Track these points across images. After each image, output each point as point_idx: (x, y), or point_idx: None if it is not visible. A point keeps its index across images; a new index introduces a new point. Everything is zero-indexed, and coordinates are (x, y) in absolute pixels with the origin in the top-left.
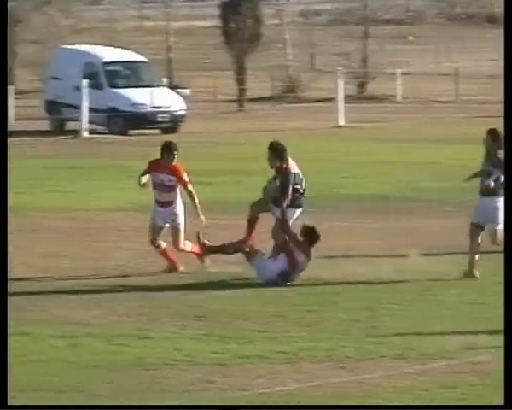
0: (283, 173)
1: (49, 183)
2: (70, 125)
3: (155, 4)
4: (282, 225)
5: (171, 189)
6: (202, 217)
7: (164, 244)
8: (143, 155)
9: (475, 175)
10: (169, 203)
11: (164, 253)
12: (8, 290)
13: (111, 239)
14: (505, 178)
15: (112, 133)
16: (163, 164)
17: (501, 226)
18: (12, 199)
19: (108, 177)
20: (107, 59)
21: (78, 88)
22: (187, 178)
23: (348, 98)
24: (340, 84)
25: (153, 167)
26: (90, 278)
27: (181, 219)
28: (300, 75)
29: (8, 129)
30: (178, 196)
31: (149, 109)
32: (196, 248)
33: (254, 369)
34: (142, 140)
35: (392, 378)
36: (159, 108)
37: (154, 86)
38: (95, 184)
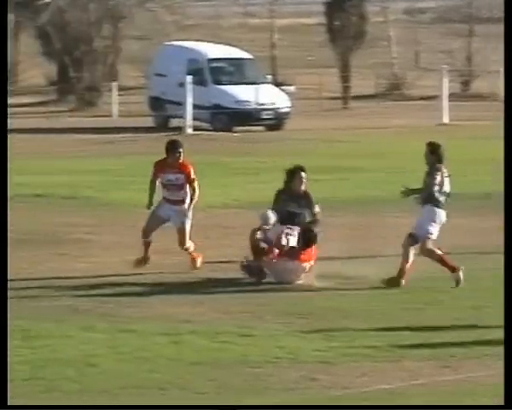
0: (309, 196)
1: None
2: (174, 122)
3: (260, 1)
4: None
5: (181, 187)
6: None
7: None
8: (248, 153)
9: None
10: (180, 202)
11: (147, 246)
12: (114, 283)
13: (214, 236)
14: (505, 179)
15: (216, 130)
16: (170, 163)
17: (425, 235)
18: (115, 195)
19: (212, 174)
20: (212, 55)
21: (182, 85)
22: (193, 175)
23: (452, 96)
24: (445, 81)
25: (159, 169)
26: (192, 274)
27: (188, 220)
28: (405, 73)
29: (111, 125)
30: (188, 194)
31: (254, 106)
32: (195, 251)
33: (358, 367)
34: (246, 137)
35: (496, 377)
36: (263, 105)
37: (258, 83)
38: (198, 180)
